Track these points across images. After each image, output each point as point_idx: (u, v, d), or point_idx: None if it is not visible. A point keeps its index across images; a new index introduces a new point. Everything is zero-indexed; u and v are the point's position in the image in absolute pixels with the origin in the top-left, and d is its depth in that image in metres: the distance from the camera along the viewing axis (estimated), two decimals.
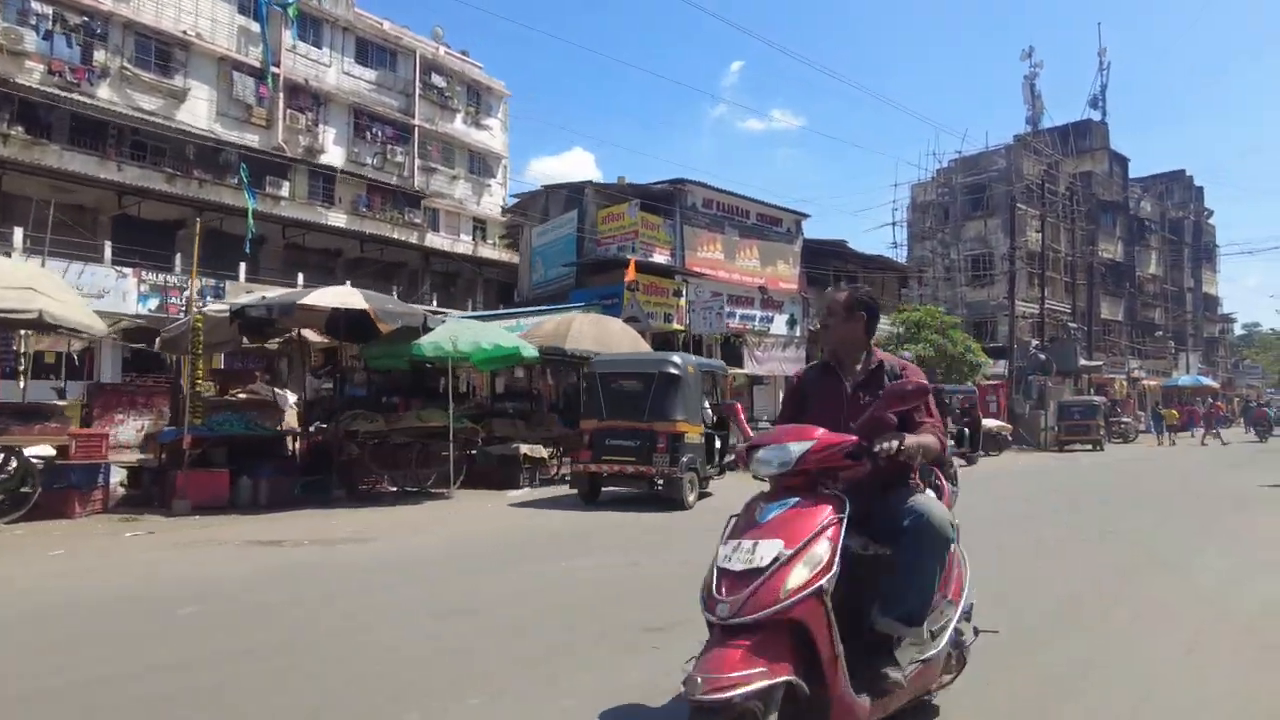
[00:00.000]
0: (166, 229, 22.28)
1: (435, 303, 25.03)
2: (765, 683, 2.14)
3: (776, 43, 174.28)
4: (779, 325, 24.80)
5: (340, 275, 24.26)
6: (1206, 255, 56.64)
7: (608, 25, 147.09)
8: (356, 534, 7.92)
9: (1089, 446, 25.40)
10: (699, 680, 2.11)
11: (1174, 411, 33.02)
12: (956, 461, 17.55)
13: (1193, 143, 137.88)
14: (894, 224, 39.32)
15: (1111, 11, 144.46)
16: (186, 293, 18.36)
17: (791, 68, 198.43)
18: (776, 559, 2.28)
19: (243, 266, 21.38)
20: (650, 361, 11.39)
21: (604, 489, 10.89)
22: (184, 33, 24.86)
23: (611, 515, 9.59)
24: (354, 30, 30.12)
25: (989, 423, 21.92)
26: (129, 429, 13.14)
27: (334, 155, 29.04)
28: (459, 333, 10.51)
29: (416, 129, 31.72)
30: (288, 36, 27.50)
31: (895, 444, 2.55)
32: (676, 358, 11.14)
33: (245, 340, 12.65)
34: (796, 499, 2.47)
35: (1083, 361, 34.73)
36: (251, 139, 26.38)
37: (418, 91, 31.76)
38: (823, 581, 2.29)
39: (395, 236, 28.50)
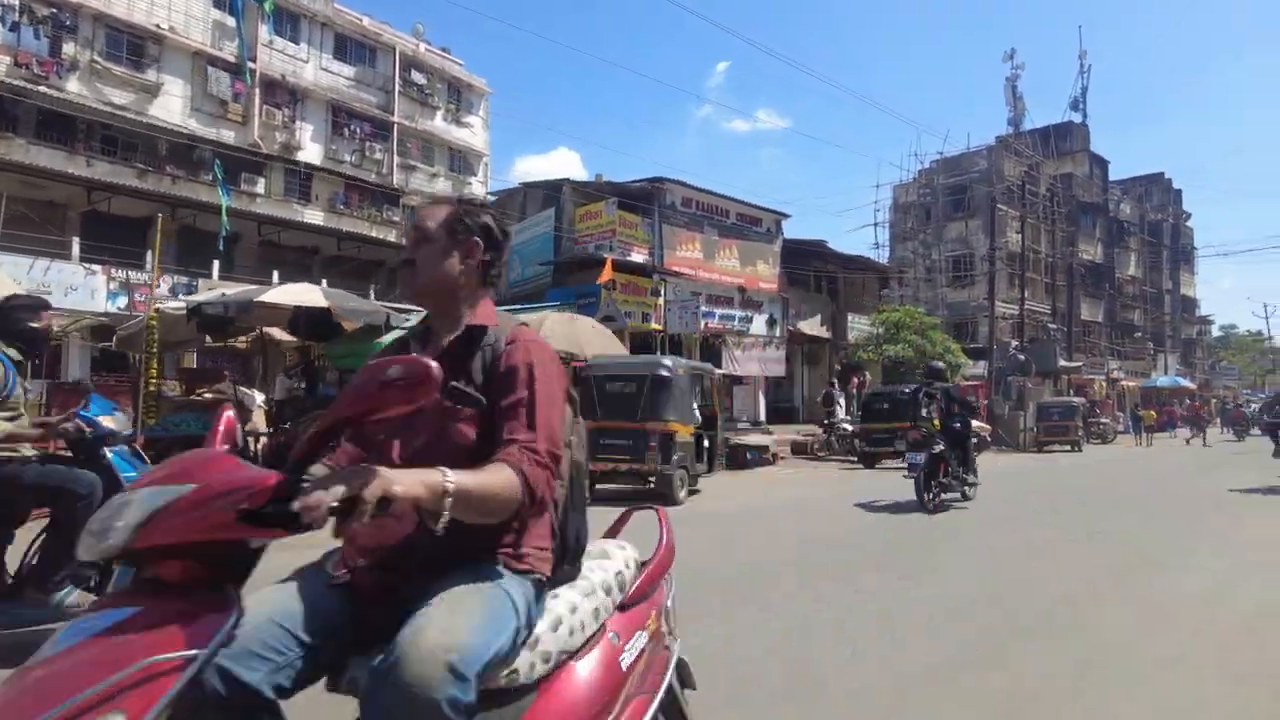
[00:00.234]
0: (138, 226, 21.91)
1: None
2: None
3: (761, 43, 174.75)
4: (758, 325, 24.71)
5: (317, 273, 23.97)
6: (1185, 257, 57.15)
7: (595, 25, 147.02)
8: (310, 538, 7.70)
9: (1067, 447, 25.48)
10: None
11: (1152, 412, 33.26)
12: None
13: (1172, 144, 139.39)
14: (876, 225, 39.37)
15: (1093, 13, 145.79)
16: (158, 290, 18.10)
17: (776, 69, 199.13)
18: None
19: (216, 264, 21.10)
20: (643, 364, 11.98)
21: (599, 486, 11.22)
22: (157, 26, 24.47)
23: (606, 510, 9.59)
24: (333, 26, 29.79)
25: None
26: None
27: (311, 152, 28.70)
28: None
29: (396, 126, 31.42)
30: (264, 32, 27.16)
31: (343, 492, 1.27)
32: (668, 360, 11.85)
33: (209, 339, 12.50)
34: (133, 611, 1.24)
35: (1062, 362, 34.86)
36: (227, 135, 26.03)
37: (397, 88, 31.47)
38: None
39: (373, 234, 28.24)
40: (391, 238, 28.96)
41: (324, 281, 20.62)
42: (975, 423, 23.54)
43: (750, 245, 24.98)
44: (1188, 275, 58.12)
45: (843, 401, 23.00)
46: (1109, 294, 46.28)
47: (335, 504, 1.28)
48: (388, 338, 9.96)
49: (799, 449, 21.72)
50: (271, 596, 1.55)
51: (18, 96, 21.38)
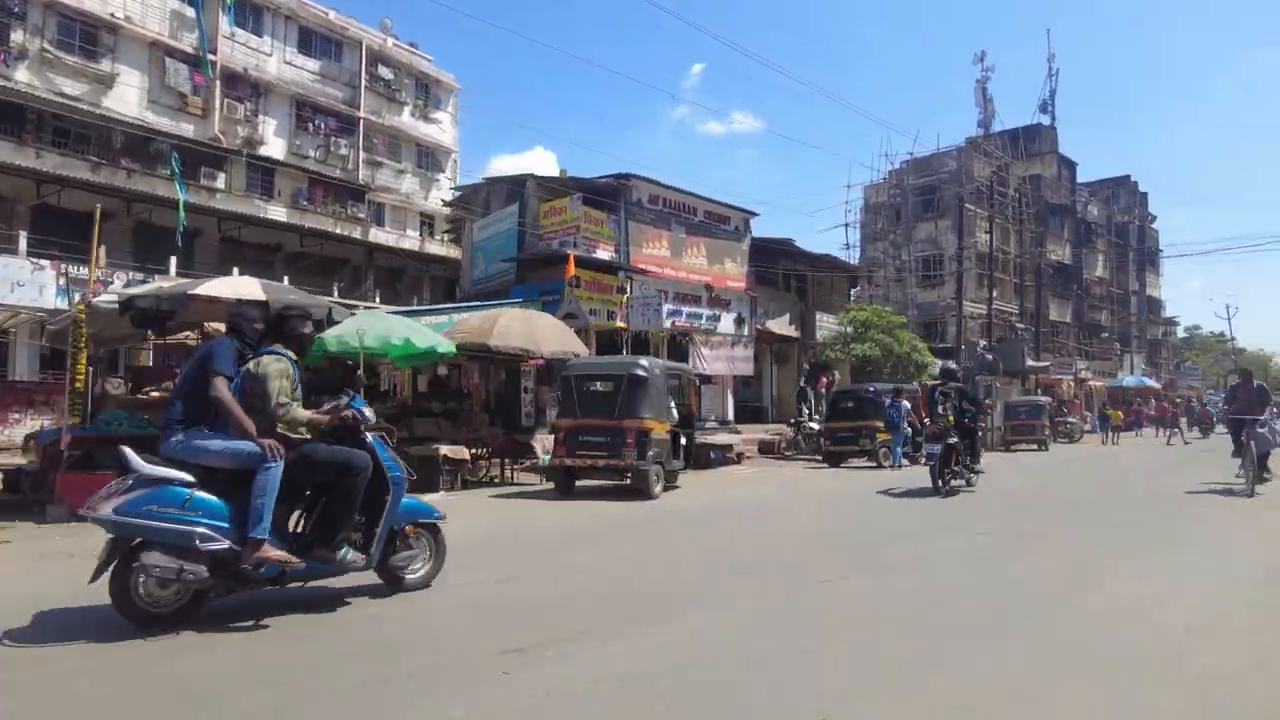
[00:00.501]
0: (90, 220, 21.32)
1: (379, 299, 24.38)
2: None
3: (735, 42, 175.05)
4: (726, 324, 24.58)
5: (279, 270, 23.49)
6: (1150, 259, 57.92)
7: (570, 23, 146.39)
8: None
9: (1034, 446, 25.61)
10: None
11: (1119, 412, 33.62)
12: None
13: (1138, 147, 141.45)
14: (847, 225, 39.35)
15: (1061, 17, 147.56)
16: (113, 286, 17.58)
17: (750, 69, 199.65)
18: None
19: (174, 261, 20.58)
20: (620, 365, 12.45)
21: (579, 481, 11.81)
22: (112, 15, 23.86)
23: (588, 503, 10.60)
24: (297, 19, 29.26)
25: None
26: (26, 428, 12.42)
27: (274, 147, 28.17)
28: (367, 326, 10.04)
29: (362, 121, 30.96)
30: (225, 23, 26.61)
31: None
32: (645, 361, 12.34)
33: (151, 335, 12.08)
34: None
35: (1030, 362, 35.10)
36: (186, 128, 25.46)
37: (364, 83, 31.00)
38: None
39: (337, 231, 27.75)
40: (356, 234, 28.52)
41: (285, 279, 20.22)
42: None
43: (718, 243, 24.84)
44: (1153, 277, 58.94)
45: (813, 400, 22.95)
46: (1076, 294, 46.75)
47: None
48: (348, 336, 9.64)
49: (766, 448, 21.61)
50: None
51: None
